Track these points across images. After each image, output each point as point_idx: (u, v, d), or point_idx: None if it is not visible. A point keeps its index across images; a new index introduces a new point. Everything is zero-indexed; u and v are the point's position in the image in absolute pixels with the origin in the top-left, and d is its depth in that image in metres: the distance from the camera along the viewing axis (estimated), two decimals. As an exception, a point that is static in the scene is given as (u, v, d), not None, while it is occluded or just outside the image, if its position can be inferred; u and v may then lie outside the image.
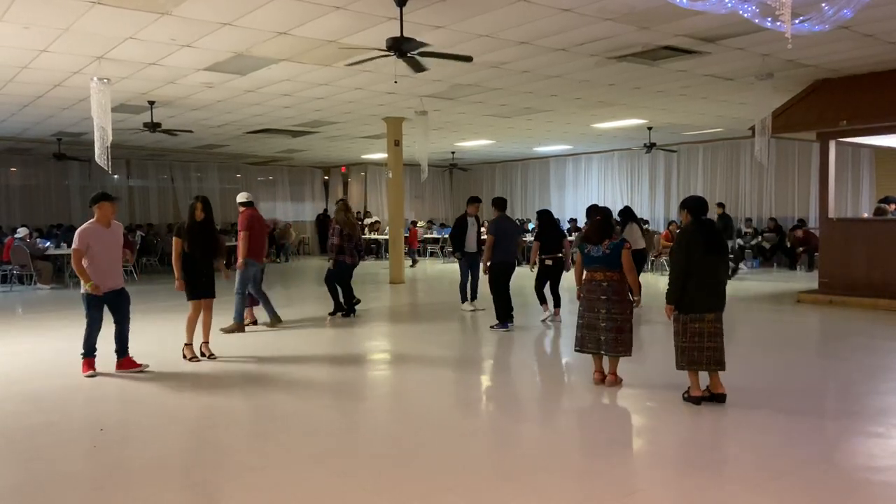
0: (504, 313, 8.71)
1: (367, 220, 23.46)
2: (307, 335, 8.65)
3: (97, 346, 6.47)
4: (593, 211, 9.73)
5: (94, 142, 9.45)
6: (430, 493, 3.76)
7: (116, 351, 6.53)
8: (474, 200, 10.30)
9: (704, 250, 5.15)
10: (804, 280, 13.58)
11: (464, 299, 10.25)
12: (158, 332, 8.43)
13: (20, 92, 11.14)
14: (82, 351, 6.45)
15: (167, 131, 13.23)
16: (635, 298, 5.85)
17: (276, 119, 14.38)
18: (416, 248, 19.66)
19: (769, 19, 5.44)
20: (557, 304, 9.25)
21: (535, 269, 9.17)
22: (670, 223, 16.48)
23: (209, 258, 7.03)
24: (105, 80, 9.30)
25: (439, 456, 4.34)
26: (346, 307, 9.83)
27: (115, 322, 6.48)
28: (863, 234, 10.89)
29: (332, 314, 9.82)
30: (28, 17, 7.38)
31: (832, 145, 11.09)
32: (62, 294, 13.10)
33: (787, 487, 3.78)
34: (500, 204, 9.26)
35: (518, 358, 7.57)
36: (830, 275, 11.00)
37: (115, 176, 21.48)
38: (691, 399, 5.34)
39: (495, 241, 8.76)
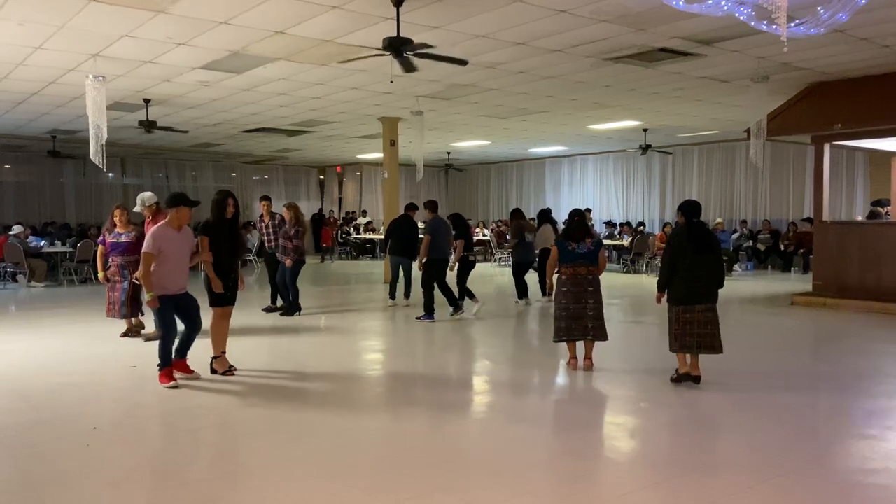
0: (431, 306, 9.43)
1: (362, 220, 23.43)
2: (301, 336, 8.64)
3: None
4: (516, 213, 11.36)
5: (89, 139, 9.42)
6: (423, 493, 3.75)
7: (176, 350, 6.13)
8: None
9: (693, 249, 5.75)
10: (799, 282, 13.62)
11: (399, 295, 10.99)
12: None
13: (15, 89, 11.09)
14: (158, 362, 5.98)
15: (163, 128, 13.19)
16: None
17: (271, 118, 14.36)
18: (330, 247, 21.45)
19: (765, 22, 5.46)
20: (464, 297, 9.89)
21: (457, 266, 9.79)
22: (665, 225, 16.51)
23: (235, 260, 6.50)
24: (100, 78, 9.26)
25: (431, 456, 4.34)
26: (299, 306, 10.05)
27: (186, 327, 6.11)
28: (856, 237, 10.92)
29: (283, 314, 9.90)
30: (23, 14, 7.35)
31: (827, 148, 11.13)
32: (55, 292, 13.05)
33: (780, 489, 3.79)
34: (432, 206, 9.96)
35: (501, 354, 7.57)
36: (824, 277, 11.04)
37: (110, 174, 21.43)
38: (679, 377, 5.95)
39: (431, 240, 9.40)
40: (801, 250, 15.70)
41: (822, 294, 10.87)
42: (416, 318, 9.46)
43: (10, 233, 14.23)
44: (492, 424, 5.11)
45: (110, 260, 7.93)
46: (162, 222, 6.04)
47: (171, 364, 6.04)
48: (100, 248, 8.10)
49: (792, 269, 15.96)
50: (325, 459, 4.29)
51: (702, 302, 5.74)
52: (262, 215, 10.28)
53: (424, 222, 10.33)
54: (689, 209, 5.94)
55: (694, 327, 5.74)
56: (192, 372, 6.24)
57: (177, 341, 6.14)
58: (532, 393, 6.09)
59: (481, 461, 4.30)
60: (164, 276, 5.87)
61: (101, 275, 8.01)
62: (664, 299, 5.95)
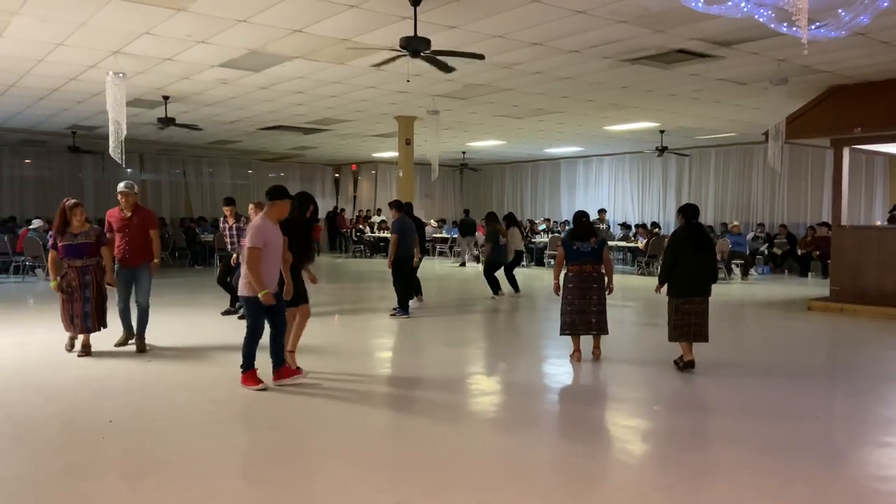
0: (406, 301, 9.85)
1: (375, 219, 23.49)
2: (308, 333, 8.68)
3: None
4: (491, 218, 11.83)
5: (108, 135, 9.52)
6: (433, 490, 3.76)
7: (275, 361, 5.87)
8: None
9: (691, 248, 6.40)
10: (816, 287, 13.47)
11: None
12: (177, 325, 8.46)
13: (36, 85, 11.23)
14: (241, 364, 5.75)
15: (184, 125, 13.29)
16: (610, 285, 6.95)
17: (288, 116, 14.43)
18: (317, 242, 22.41)
19: (785, 24, 5.42)
20: (419, 292, 10.90)
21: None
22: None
23: (307, 262, 6.33)
24: (120, 75, 9.36)
25: (441, 454, 4.35)
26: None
27: (273, 328, 5.80)
28: (875, 242, 10.80)
29: (233, 312, 9.61)
30: (45, 11, 7.44)
31: (846, 152, 11.01)
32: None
33: (793, 494, 3.76)
34: (398, 205, 10.15)
35: (508, 351, 7.56)
36: (842, 282, 10.92)
37: (129, 170, 21.64)
38: (685, 364, 6.46)
39: (399, 238, 9.70)
40: (819, 254, 15.54)
41: (840, 299, 10.76)
42: (391, 315, 9.72)
43: (30, 227, 14.40)
44: (502, 423, 5.10)
45: (66, 265, 6.75)
46: (260, 214, 5.71)
47: (254, 366, 5.77)
48: (52, 253, 6.82)
49: (809, 273, 15.80)
50: (334, 455, 4.31)
51: (700, 294, 6.44)
52: (225, 217, 9.69)
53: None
54: (689, 212, 6.64)
55: (691, 317, 6.41)
56: (299, 372, 6.01)
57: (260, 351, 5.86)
58: (542, 391, 6.07)
59: (491, 460, 4.30)
60: (263, 273, 5.54)
61: (53, 284, 6.77)
62: (664, 291, 6.62)
